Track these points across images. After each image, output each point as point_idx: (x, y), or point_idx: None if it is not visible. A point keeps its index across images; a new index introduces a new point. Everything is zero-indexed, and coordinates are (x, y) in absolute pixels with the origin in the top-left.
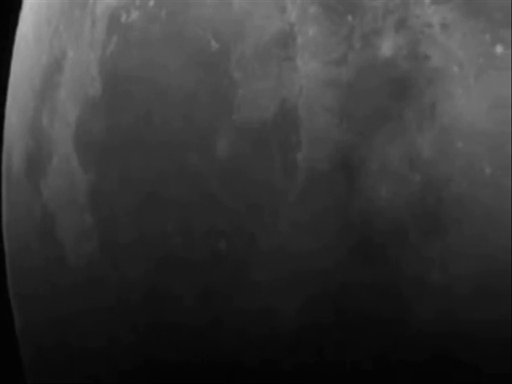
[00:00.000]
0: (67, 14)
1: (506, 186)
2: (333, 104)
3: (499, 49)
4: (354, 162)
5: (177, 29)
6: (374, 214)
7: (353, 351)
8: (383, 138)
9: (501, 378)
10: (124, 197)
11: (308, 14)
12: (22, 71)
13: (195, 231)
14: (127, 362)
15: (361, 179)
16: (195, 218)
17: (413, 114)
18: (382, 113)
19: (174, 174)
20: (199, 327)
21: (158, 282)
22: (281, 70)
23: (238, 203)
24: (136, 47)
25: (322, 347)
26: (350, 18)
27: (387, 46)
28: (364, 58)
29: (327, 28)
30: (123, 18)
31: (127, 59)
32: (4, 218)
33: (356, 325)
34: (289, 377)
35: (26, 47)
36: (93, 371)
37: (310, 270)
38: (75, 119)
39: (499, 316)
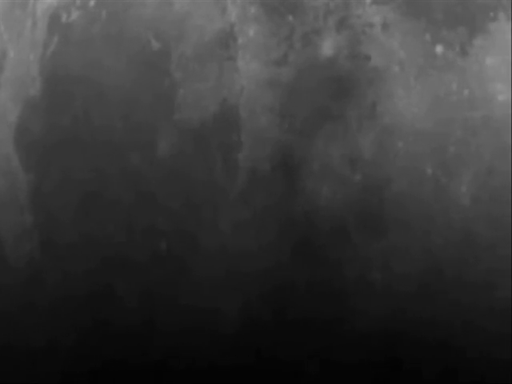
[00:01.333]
0: (8, 15)
1: (446, 185)
2: (273, 104)
3: (439, 49)
4: (294, 161)
5: (117, 29)
6: (315, 214)
7: (293, 350)
8: (324, 137)
9: (439, 377)
10: (64, 197)
11: (248, 14)
12: None
13: (136, 231)
14: (69, 361)
15: (302, 179)
16: (136, 218)
17: (354, 113)
18: (323, 113)
19: (115, 174)
20: (140, 327)
21: (100, 281)
22: (221, 70)
23: (179, 203)
24: (76, 47)
25: (263, 346)
26: (290, 18)
27: (328, 46)
28: (305, 58)
29: (268, 28)
30: (64, 18)
31: (68, 59)
32: None
33: (297, 324)
34: (228, 376)
35: None
36: (35, 371)
37: (251, 269)
38: (15, 119)
39: (438, 315)
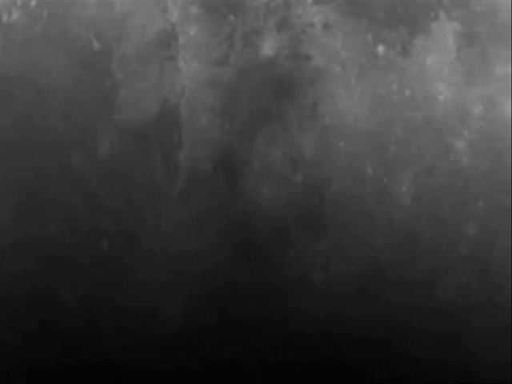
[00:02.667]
0: None
1: (387, 185)
2: (214, 104)
3: (381, 49)
4: (235, 161)
5: (58, 29)
6: (256, 215)
7: (235, 350)
8: (265, 138)
9: (380, 376)
10: (5, 196)
11: (189, 14)
12: None
13: (77, 231)
14: (13, 362)
15: (243, 179)
16: (77, 218)
17: (295, 114)
18: (264, 113)
19: (56, 174)
20: (81, 327)
21: (41, 281)
22: (162, 70)
23: (120, 203)
24: (17, 47)
25: (205, 346)
26: (231, 17)
27: (269, 46)
28: (245, 58)
29: (208, 28)
30: (5, 18)
31: (8, 59)
32: None
33: (238, 324)
34: (171, 376)
35: None
36: None
37: (193, 270)
38: None
39: (379, 315)
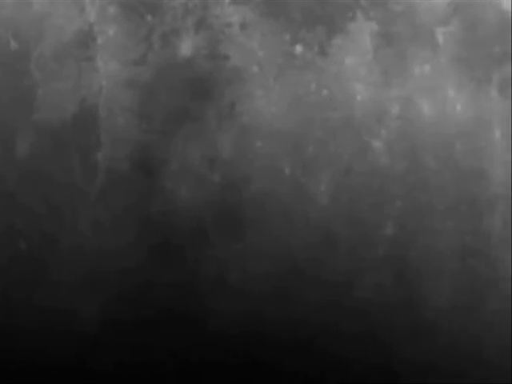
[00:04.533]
0: None
1: (304, 185)
2: (132, 104)
3: (299, 49)
4: (154, 162)
5: None
6: (174, 215)
7: (153, 351)
8: (183, 137)
9: (297, 376)
10: None
11: (107, 14)
12: None
13: None
14: None
15: (161, 179)
16: None
17: (213, 113)
18: (182, 113)
19: None
20: None
21: None
22: (80, 70)
23: (38, 203)
24: None
25: (123, 346)
26: (149, 18)
27: (187, 46)
28: (163, 58)
29: (127, 28)
30: None
31: None
32: None
33: (155, 324)
34: (89, 375)
35: None
36: None
37: (111, 269)
38: None
39: (297, 315)
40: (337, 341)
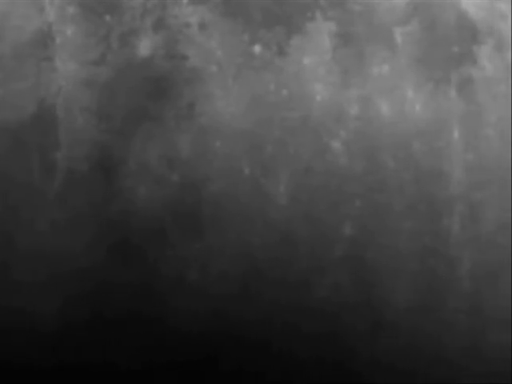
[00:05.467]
0: None
1: (264, 185)
2: (91, 104)
3: (257, 49)
4: (112, 161)
5: None
6: (133, 215)
7: (111, 350)
8: (142, 137)
9: (261, 376)
10: None
11: (66, 14)
12: None
13: None
14: None
15: (119, 179)
16: None
17: (171, 113)
18: (141, 113)
19: None
20: None
21: None
22: (39, 70)
23: None
24: None
25: (82, 346)
26: (108, 18)
27: (145, 46)
28: (122, 58)
29: (85, 28)
30: None
31: None
32: None
33: (114, 324)
34: (48, 376)
35: None
36: None
37: (69, 269)
38: None
39: (258, 315)
40: (297, 341)
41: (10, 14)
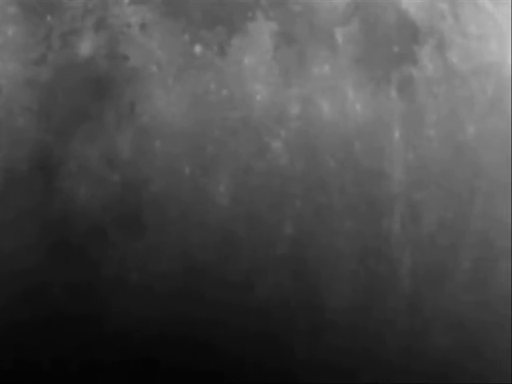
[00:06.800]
0: None
1: (204, 185)
2: (32, 104)
3: (198, 49)
4: (52, 162)
5: None
6: (74, 215)
7: (51, 351)
8: (82, 137)
9: (202, 376)
10: None
11: (7, 14)
12: None
13: None
14: None
15: (60, 179)
16: None
17: (112, 113)
18: (81, 112)
19: None
20: None
21: None
22: None
23: None
24: None
25: (22, 347)
26: (48, 18)
27: (86, 46)
28: (63, 58)
29: (26, 28)
30: None
31: None
32: None
33: (54, 324)
34: None
35: None
36: None
37: (9, 270)
38: None
39: (199, 315)
40: (237, 341)
41: None
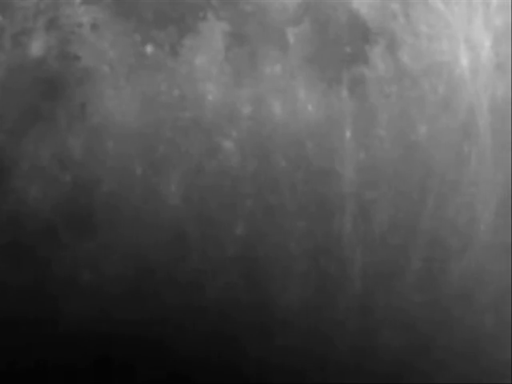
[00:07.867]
0: None
1: (156, 185)
2: None
3: (150, 49)
4: (4, 162)
5: None
6: (25, 215)
7: (4, 350)
8: (34, 138)
9: (154, 376)
10: None
11: None
12: None
13: None
14: None
15: (11, 180)
16: None
17: (63, 113)
18: (33, 113)
19: None
20: None
21: None
22: None
23: None
24: None
25: None
26: (0, 18)
27: (37, 46)
28: (14, 58)
29: None
30: None
31: None
32: None
33: (5, 325)
34: None
35: None
36: None
37: None
38: None
39: (151, 315)
40: (189, 341)
41: None
